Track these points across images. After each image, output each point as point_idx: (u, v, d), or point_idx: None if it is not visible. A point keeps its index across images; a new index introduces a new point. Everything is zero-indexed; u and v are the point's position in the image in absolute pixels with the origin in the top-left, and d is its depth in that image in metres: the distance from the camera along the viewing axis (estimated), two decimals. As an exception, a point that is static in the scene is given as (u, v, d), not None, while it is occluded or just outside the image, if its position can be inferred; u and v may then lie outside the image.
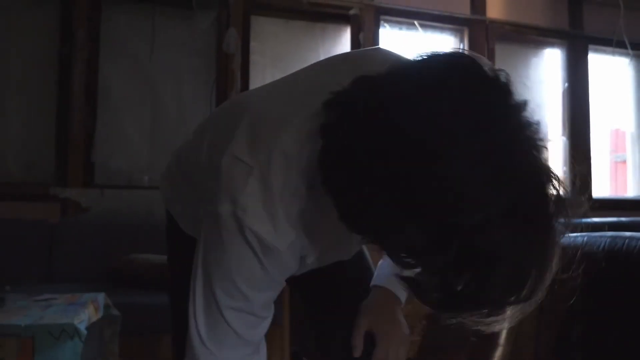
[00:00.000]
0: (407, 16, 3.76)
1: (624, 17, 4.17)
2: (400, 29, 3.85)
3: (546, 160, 0.61)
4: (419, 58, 0.66)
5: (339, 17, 3.65)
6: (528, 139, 0.60)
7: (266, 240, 0.73)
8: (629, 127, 4.60)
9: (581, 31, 4.24)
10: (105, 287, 2.28)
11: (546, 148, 0.61)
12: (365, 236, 0.66)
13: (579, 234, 2.25)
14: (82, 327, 1.53)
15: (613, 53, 4.34)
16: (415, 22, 3.80)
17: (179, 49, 3.32)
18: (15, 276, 2.65)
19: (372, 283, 1.07)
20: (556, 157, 4.25)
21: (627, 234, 1.86)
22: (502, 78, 0.62)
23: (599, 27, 4.26)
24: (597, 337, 1.91)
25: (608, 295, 1.90)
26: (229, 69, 3.32)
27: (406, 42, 3.91)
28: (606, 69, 4.46)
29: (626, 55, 4.36)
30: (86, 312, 1.70)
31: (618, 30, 4.18)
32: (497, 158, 0.57)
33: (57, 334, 1.48)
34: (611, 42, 4.24)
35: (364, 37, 3.64)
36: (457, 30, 3.97)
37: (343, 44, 3.70)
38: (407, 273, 0.65)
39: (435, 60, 0.65)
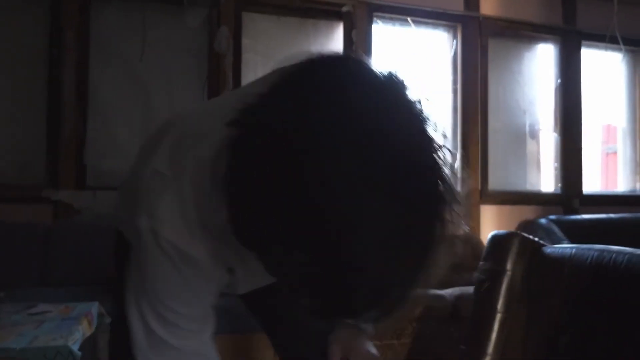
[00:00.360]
0: (400, 13, 3.74)
1: (617, 12, 4.16)
2: (394, 25, 3.83)
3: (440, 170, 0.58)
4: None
5: (332, 14, 3.62)
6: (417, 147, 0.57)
7: (183, 249, 0.73)
8: (620, 122, 4.62)
9: (574, 27, 4.24)
10: (100, 290, 2.30)
11: (440, 153, 0.59)
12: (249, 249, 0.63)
13: (567, 245, 2.29)
14: (76, 348, 1.55)
15: (606, 48, 4.35)
16: (409, 19, 3.78)
17: (169, 48, 3.30)
18: (10, 279, 2.66)
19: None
20: (548, 153, 4.28)
21: (615, 248, 1.89)
22: (394, 80, 0.60)
23: (592, 23, 4.26)
24: (584, 348, 1.96)
25: (595, 307, 1.94)
26: (220, 69, 3.30)
27: (399, 38, 3.90)
28: (599, 64, 4.47)
29: (619, 50, 4.37)
30: (80, 329, 1.72)
31: (611, 26, 4.18)
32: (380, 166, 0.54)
33: (52, 356, 1.49)
34: (604, 38, 4.23)
35: (357, 34, 3.62)
36: (450, 27, 3.95)
37: (335, 40, 3.68)
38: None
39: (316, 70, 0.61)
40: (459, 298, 2.86)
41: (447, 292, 2.95)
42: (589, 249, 1.97)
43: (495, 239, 2.23)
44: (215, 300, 0.85)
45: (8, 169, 3.03)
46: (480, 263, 2.24)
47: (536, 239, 2.21)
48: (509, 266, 2.13)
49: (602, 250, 1.90)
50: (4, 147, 3.04)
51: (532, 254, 2.14)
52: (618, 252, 1.84)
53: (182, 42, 3.32)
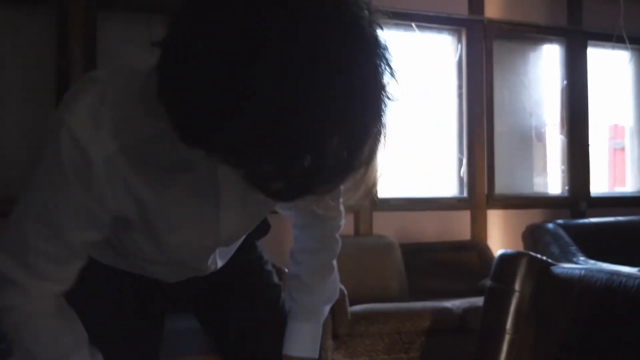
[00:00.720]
0: (403, 18, 3.70)
1: (624, 11, 4.11)
2: (397, 29, 3.79)
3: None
4: None
5: (335, 21, 3.59)
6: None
7: (81, 142, 0.69)
8: (628, 122, 4.58)
9: (580, 27, 4.19)
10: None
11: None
12: (197, 138, 0.59)
13: (576, 266, 2.27)
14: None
15: (612, 48, 4.30)
16: (412, 24, 3.75)
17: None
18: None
19: (284, 352, 1.12)
20: (554, 155, 4.25)
21: (625, 271, 1.88)
22: None
23: (598, 23, 4.21)
24: (593, 370, 1.95)
25: (604, 330, 1.93)
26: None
27: (403, 42, 3.86)
28: (605, 63, 4.42)
29: (625, 49, 4.32)
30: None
31: (617, 26, 4.13)
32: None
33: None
34: (611, 38, 4.19)
35: (361, 42, 3.58)
36: (454, 31, 3.91)
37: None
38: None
39: None
40: (467, 310, 2.85)
41: (455, 304, 2.94)
42: (599, 271, 1.96)
43: (503, 258, 2.22)
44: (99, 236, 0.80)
45: (18, 180, 3.03)
46: (489, 282, 2.23)
47: (544, 257, 2.19)
48: (517, 287, 2.12)
49: (612, 274, 1.89)
50: (14, 157, 3.04)
51: (540, 274, 2.13)
52: (628, 276, 1.83)
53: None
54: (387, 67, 0.58)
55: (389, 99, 0.59)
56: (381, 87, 0.58)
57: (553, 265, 2.19)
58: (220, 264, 1.02)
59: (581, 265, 2.11)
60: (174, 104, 0.58)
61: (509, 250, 2.25)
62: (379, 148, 0.61)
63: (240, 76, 0.52)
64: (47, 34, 3.10)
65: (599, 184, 4.47)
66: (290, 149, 0.55)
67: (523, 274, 2.14)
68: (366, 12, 0.58)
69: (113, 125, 0.71)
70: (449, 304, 2.94)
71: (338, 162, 0.58)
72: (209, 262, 0.97)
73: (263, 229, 1.13)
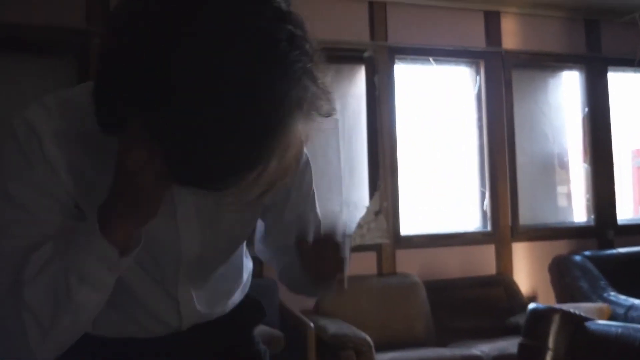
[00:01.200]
0: (421, 54, 3.69)
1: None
2: (415, 63, 3.78)
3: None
4: None
5: (354, 59, 3.58)
6: None
7: (31, 121, 0.75)
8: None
9: (599, 54, 4.13)
10: None
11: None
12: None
13: (612, 323, 2.22)
14: None
15: (634, 71, 4.23)
16: (430, 59, 3.73)
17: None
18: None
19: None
20: (578, 183, 4.18)
21: (663, 332, 1.83)
22: None
23: (617, 48, 4.15)
24: None
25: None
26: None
27: (421, 75, 3.84)
28: (627, 86, 4.36)
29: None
30: None
31: (638, 51, 4.07)
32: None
33: None
34: (632, 62, 4.12)
35: (379, 79, 3.57)
36: (472, 62, 3.88)
37: (358, 85, 3.63)
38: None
39: None
40: (497, 359, 2.80)
41: (484, 350, 2.89)
42: (636, 330, 1.91)
43: (535, 314, 2.18)
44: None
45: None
46: (521, 339, 2.18)
47: (577, 312, 2.15)
48: (550, 344, 2.07)
49: (651, 334, 1.84)
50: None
51: (574, 330, 2.08)
52: (668, 339, 1.77)
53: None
54: (308, 84, 0.62)
55: (300, 107, 0.62)
56: (286, 97, 0.60)
57: (587, 320, 2.13)
58: (202, 309, 0.95)
59: (618, 323, 2.05)
60: (96, 94, 0.67)
61: (541, 305, 2.21)
62: (284, 146, 0.63)
63: (150, 71, 0.59)
64: (67, 74, 3.15)
65: (625, 208, 4.39)
66: (193, 142, 0.60)
67: (556, 331, 2.09)
68: (287, 30, 0.61)
69: (62, 111, 0.77)
70: (477, 350, 2.88)
71: (240, 155, 0.61)
72: (184, 293, 0.91)
73: (257, 314, 1.08)
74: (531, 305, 2.24)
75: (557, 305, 2.16)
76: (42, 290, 0.72)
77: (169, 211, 0.82)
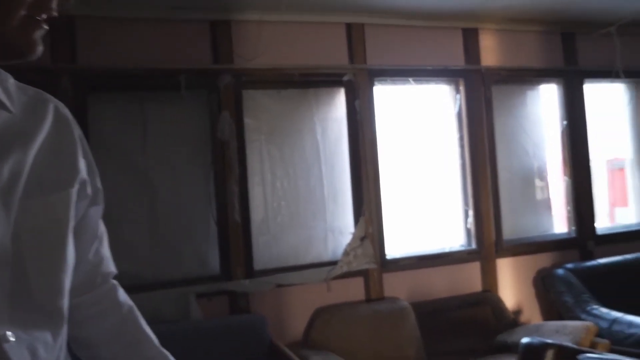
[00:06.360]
0: (401, 75, 3.67)
1: (619, 47, 4.10)
2: (395, 84, 3.76)
3: None
4: None
5: (333, 83, 3.55)
6: None
7: None
8: (627, 154, 4.57)
9: (576, 67, 4.17)
10: None
11: None
12: None
13: (605, 356, 2.23)
14: None
15: (611, 81, 4.29)
16: (410, 79, 3.72)
17: (171, 138, 3.22)
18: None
19: None
20: (558, 195, 4.22)
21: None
22: None
23: (594, 61, 4.19)
24: None
25: None
26: (225, 155, 3.22)
27: (401, 96, 3.83)
28: (603, 98, 4.41)
29: (622, 82, 4.33)
30: None
31: (614, 62, 4.12)
32: None
33: None
34: (608, 74, 4.18)
35: (360, 103, 3.55)
36: (452, 81, 3.88)
37: (338, 108, 3.60)
38: None
39: None
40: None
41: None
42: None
43: (529, 348, 2.17)
44: None
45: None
46: (516, 375, 2.18)
47: (570, 344, 2.15)
48: (546, 380, 2.07)
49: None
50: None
51: (568, 365, 2.08)
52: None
53: (184, 130, 3.24)
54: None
55: None
56: None
57: (580, 352, 2.14)
58: (10, 337, 0.76)
59: (609, 356, 2.06)
60: None
61: (534, 340, 2.21)
62: None
63: None
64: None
65: (601, 217, 4.44)
66: None
67: (550, 366, 2.09)
68: None
69: None
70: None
71: None
72: None
73: None
74: (524, 340, 2.24)
75: (550, 340, 2.16)
76: None
77: None
